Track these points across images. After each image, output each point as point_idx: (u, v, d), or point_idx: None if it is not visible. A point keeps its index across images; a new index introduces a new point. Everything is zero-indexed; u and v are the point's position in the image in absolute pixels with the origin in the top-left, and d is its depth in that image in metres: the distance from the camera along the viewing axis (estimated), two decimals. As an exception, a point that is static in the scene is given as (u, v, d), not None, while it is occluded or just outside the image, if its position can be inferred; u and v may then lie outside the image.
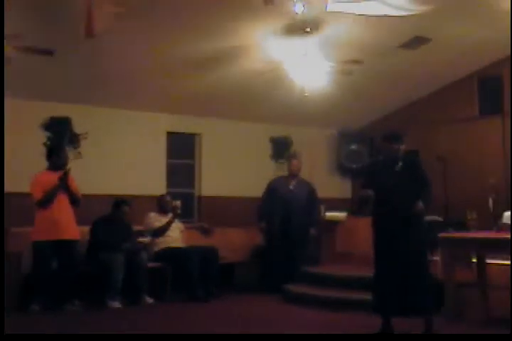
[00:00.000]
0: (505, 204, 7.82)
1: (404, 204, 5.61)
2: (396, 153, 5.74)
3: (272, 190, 8.97)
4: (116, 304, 7.49)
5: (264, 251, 9.05)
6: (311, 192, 9.00)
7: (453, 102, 10.63)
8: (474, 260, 6.75)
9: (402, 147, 5.77)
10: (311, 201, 8.93)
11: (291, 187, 8.93)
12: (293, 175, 9.08)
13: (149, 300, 7.80)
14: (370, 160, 5.93)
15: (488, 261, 6.74)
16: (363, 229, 9.26)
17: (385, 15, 7.88)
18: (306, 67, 8.38)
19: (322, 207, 9.51)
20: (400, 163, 5.77)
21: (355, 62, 8.35)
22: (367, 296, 7.05)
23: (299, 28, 8.10)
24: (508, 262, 6.67)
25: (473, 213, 6.72)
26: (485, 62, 10.05)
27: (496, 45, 9.30)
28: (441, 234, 6.66)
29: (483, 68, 10.23)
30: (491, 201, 7.76)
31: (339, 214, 9.18)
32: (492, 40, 9.02)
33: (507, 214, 6.70)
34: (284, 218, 8.78)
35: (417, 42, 9.01)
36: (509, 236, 6.20)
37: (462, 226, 7.10)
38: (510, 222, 6.49)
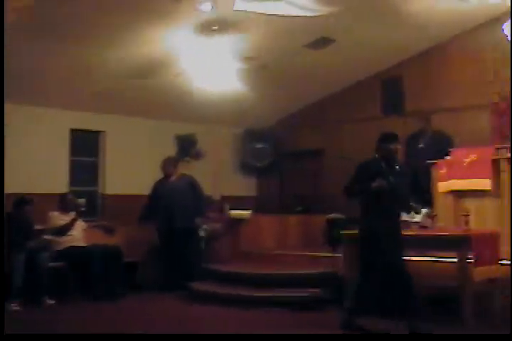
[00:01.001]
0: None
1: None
2: (393, 153, 5.78)
3: (155, 190, 8.91)
4: (15, 306, 7.22)
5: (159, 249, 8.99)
6: (193, 184, 8.91)
7: (357, 102, 10.88)
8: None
9: (398, 147, 5.87)
10: (194, 193, 8.86)
11: (171, 183, 8.84)
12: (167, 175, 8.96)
13: (50, 301, 7.57)
14: (364, 160, 5.85)
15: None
16: (268, 226, 9.40)
17: (292, 16, 7.99)
18: (213, 66, 8.39)
19: (227, 205, 9.53)
20: (397, 163, 5.88)
21: (259, 60, 8.44)
22: (269, 294, 7.21)
23: (207, 26, 8.11)
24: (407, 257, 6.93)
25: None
26: (387, 63, 10.34)
27: (399, 46, 9.60)
28: (344, 232, 6.80)
29: (386, 69, 10.52)
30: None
31: (244, 212, 9.22)
32: (394, 41, 9.29)
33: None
34: (168, 215, 8.70)
35: (322, 42, 9.18)
36: (409, 232, 6.40)
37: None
38: (410, 219, 6.68)
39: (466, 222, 5.98)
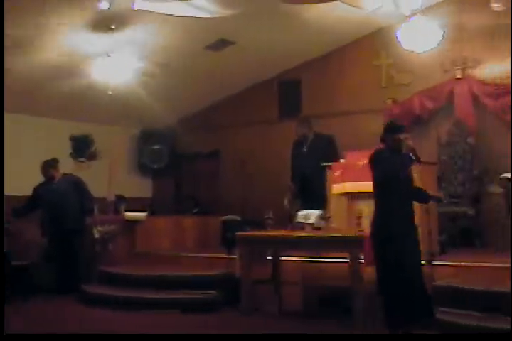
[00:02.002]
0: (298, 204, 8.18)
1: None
2: (398, 143, 5.53)
3: (35, 194, 8.66)
4: None
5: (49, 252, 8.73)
6: (77, 183, 8.71)
7: (254, 104, 10.96)
8: (270, 257, 6.97)
9: (404, 137, 5.56)
10: (79, 192, 8.66)
11: (53, 186, 8.62)
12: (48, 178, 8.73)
13: None
14: (375, 151, 5.63)
15: (283, 258, 7.01)
16: (164, 228, 9.31)
17: (191, 17, 7.96)
18: (110, 65, 8.25)
19: (122, 206, 9.38)
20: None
21: (157, 61, 8.37)
22: (165, 295, 7.15)
23: (104, 24, 7.96)
24: (300, 259, 7.05)
25: (270, 212, 6.94)
26: (286, 66, 10.48)
27: (297, 50, 9.75)
28: (239, 233, 6.82)
29: (284, 72, 10.65)
30: (286, 201, 8.08)
31: (139, 214, 9.10)
32: (293, 45, 9.42)
33: (300, 213, 6.99)
34: (54, 217, 8.48)
35: (221, 44, 9.20)
36: (303, 234, 6.49)
37: (259, 225, 7.30)
38: (303, 221, 6.78)
39: (359, 224, 6.11)
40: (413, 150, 5.47)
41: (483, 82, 9.10)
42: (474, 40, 9.16)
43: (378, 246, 5.40)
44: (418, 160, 5.53)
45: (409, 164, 5.50)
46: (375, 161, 5.49)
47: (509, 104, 8.75)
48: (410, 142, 5.50)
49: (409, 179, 5.55)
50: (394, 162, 5.40)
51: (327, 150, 8.06)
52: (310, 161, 7.97)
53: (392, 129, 5.57)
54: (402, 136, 5.47)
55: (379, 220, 5.43)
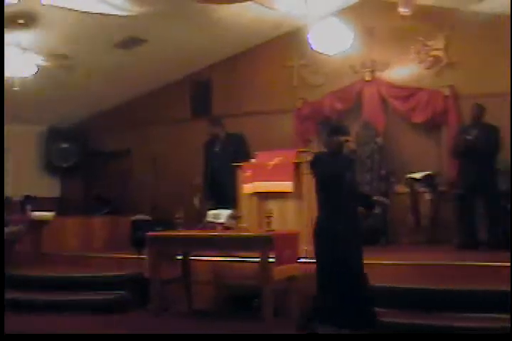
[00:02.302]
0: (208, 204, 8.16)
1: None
2: (339, 145, 5.43)
3: None
4: None
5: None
6: None
7: (167, 104, 10.88)
8: (180, 257, 6.93)
9: (345, 139, 5.47)
10: None
11: None
12: None
13: None
14: (315, 154, 5.48)
15: (193, 257, 6.98)
16: (72, 228, 9.12)
17: (102, 14, 7.83)
18: (17, 60, 8.02)
19: (29, 206, 9.13)
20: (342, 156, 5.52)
21: (65, 57, 8.19)
22: (72, 297, 6.99)
23: (12, 19, 7.73)
24: (211, 258, 7.05)
25: (181, 212, 6.89)
26: (198, 65, 10.44)
27: (208, 49, 9.72)
28: (149, 233, 6.74)
29: (196, 71, 10.62)
30: (196, 200, 8.06)
31: (46, 214, 8.88)
32: (205, 44, 9.39)
33: (211, 212, 6.98)
34: None
35: (131, 42, 9.08)
36: (214, 233, 6.48)
37: (170, 224, 7.25)
38: (214, 220, 6.77)
39: (269, 223, 6.14)
40: (354, 152, 5.47)
41: (391, 85, 9.33)
42: (383, 43, 9.39)
43: (322, 248, 5.33)
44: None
45: (351, 166, 5.48)
46: (316, 165, 5.46)
47: (416, 105, 9.03)
48: (352, 144, 5.55)
49: (353, 182, 5.49)
50: (335, 165, 5.34)
51: (238, 149, 8.08)
52: (222, 161, 7.96)
53: (334, 131, 5.49)
54: (343, 138, 5.41)
55: (323, 223, 5.37)
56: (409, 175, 8.56)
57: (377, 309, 5.31)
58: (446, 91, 8.90)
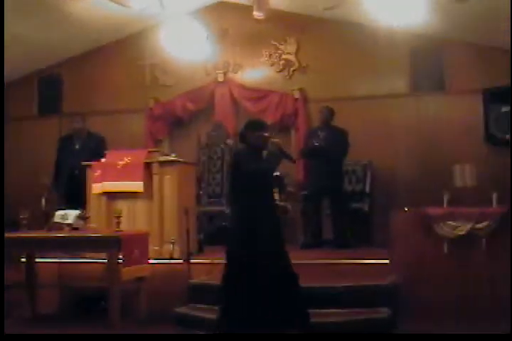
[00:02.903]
0: (56, 204, 7.94)
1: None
2: (263, 141, 5.12)
3: None
4: None
5: None
6: None
7: (13, 100, 10.40)
8: (24, 259, 6.69)
9: (267, 134, 5.18)
10: None
11: None
12: None
13: None
14: (236, 151, 5.07)
15: (39, 260, 6.77)
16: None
17: None
18: None
19: None
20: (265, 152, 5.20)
21: None
22: None
23: None
24: (57, 260, 6.89)
25: (26, 212, 6.64)
26: (46, 61, 10.10)
27: (58, 46, 9.44)
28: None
29: (45, 68, 10.28)
30: (43, 200, 7.79)
31: None
32: (54, 40, 9.12)
33: (58, 213, 6.78)
34: None
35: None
36: (60, 234, 6.30)
37: (14, 225, 6.97)
38: (61, 221, 6.58)
39: (118, 223, 6.07)
40: (281, 148, 5.20)
41: (243, 86, 9.49)
42: (237, 45, 9.54)
43: (243, 249, 4.97)
44: (289, 158, 5.29)
45: (276, 163, 5.20)
46: (237, 162, 5.13)
47: (266, 107, 9.23)
48: (277, 140, 5.28)
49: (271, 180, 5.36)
50: (259, 162, 5.07)
51: (98, 149, 7.89)
52: (79, 159, 7.73)
53: (253, 127, 5.23)
54: (265, 134, 5.16)
55: (242, 224, 5.05)
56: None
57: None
58: (297, 94, 9.19)
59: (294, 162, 5.46)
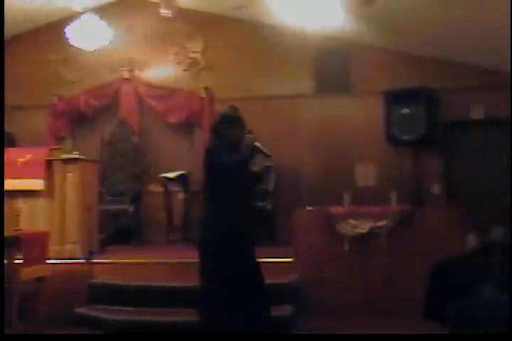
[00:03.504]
0: None
1: None
2: (237, 137, 4.81)
3: None
4: None
5: None
6: None
7: None
8: None
9: (243, 130, 4.90)
10: None
11: None
12: None
13: None
14: (208, 148, 4.64)
15: None
16: None
17: None
18: None
19: None
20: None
21: None
22: None
23: None
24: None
25: None
26: None
27: None
28: None
29: None
30: None
31: None
32: None
33: None
34: None
35: None
36: None
37: None
38: None
39: (17, 222, 5.91)
40: (254, 144, 5.02)
41: (149, 84, 9.40)
42: (143, 42, 9.43)
43: (214, 251, 4.71)
44: (264, 154, 5.12)
45: (251, 155, 4.95)
46: (210, 159, 4.80)
47: (172, 106, 9.18)
48: (252, 136, 5.10)
49: (249, 177, 5.12)
50: (233, 158, 4.76)
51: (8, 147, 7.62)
52: None
53: (229, 121, 4.95)
54: (240, 129, 4.89)
55: (215, 225, 4.75)
56: (162, 175, 8.66)
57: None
58: (203, 93, 9.15)
59: (269, 157, 5.28)
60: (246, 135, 4.92)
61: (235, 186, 4.75)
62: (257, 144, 5.05)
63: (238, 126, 4.88)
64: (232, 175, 4.73)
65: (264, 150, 4.97)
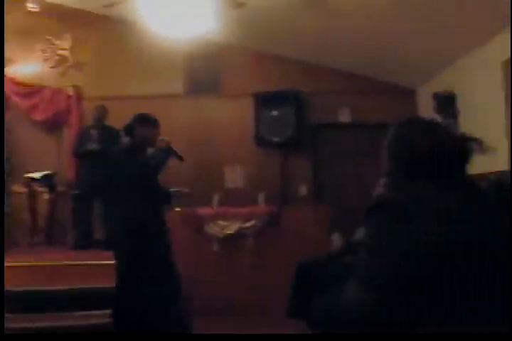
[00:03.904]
0: None
1: None
2: (150, 138, 4.64)
3: None
4: None
5: None
6: None
7: None
8: None
9: (156, 131, 4.69)
10: None
11: None
12: None
13: None
14: (116, 148, 4.26)
15: None
16: None
17: None
18: None
19: None
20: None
21: None
22: None
23: None
24: None
25: None
26: None
27: None
28: None
29: None
30: None
31: None
32: None
33: None
34: None
35: None
36: None
37: None
38: None
39: None
40: (170, 147, 4.86)
41: (13, 81, 9.05)
42: (7, 38, 9.03)
43: (126, 259, 4.61)
44: (178, 157, 4.93)
45: (165, 161, 4.86)
46: (118, 159, 4.72)
47: (38, 103, 8.90)
48: (167, 138, 4.90)
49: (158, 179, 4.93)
50: (145, 160, 4.71)
51: None
52: None
53: (143, 121, 4.81)
54: (152, 130, 4.79)
55: (124, 229, 4.63)
56: (27, 175, 8.37)
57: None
58: (70, 91, 8.93)
59: (183, 160, 5.17)
60: (160, 137, 4.85)
61: (145, 188, 4.69)
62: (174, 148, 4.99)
63: (151, 127, 4.79)
64: (144, 177, 4.69)
65: (179, 153, 4.91)
